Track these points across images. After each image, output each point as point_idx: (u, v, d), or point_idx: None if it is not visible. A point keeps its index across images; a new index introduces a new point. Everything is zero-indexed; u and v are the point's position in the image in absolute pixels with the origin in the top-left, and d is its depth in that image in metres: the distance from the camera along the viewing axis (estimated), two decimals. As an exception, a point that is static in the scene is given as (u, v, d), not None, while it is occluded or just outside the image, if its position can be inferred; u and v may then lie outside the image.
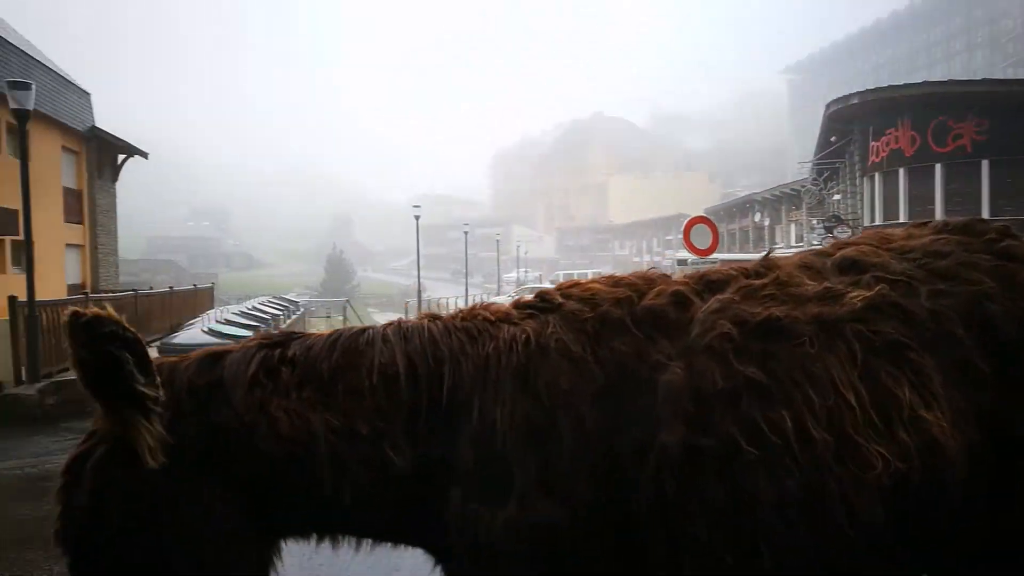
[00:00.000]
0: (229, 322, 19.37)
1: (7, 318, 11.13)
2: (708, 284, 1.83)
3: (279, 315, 25.46)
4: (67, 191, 20.89)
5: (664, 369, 1.64)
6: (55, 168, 19.73)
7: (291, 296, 40.03)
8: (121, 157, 24.24)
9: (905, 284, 1.78)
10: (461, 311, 1.90)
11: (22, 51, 17.98)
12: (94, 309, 1.49)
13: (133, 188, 25.73)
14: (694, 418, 1.58)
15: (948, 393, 1.66)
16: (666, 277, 1.91)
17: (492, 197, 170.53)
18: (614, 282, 1.87)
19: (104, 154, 23.35)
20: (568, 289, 1.88)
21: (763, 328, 1.67)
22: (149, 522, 1.54)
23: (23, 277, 11.91)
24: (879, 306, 1.72)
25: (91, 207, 22.46)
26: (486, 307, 1.90)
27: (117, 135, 23.07)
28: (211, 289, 27.55)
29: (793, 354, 1.64)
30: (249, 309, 24.16)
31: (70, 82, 21.21)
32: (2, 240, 17.48)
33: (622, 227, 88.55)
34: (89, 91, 22.57)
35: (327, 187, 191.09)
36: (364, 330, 1.83)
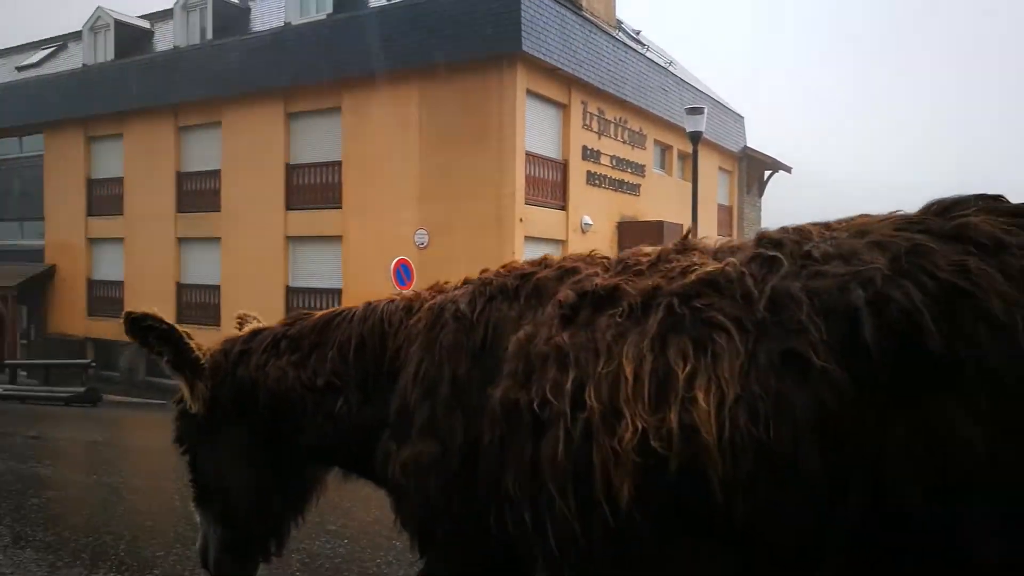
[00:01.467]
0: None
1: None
2: (621, 261, 1.79)
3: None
4: (720, 207, 23.28)
5: (520, 331, 1.74)
6: (712, 186, 22.15)
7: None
8: (767, 173, 25.85)
9: (778, 262, 1.46)
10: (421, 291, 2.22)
11: (692, 86, 20.79)
12: (141, 309, 2.21)
13: (774, 202, 26.87)
14: (518, 376, 1.64)
15: (757, 384, 1.35)
16: (605, 259, 1.87)
17: None
18: (549, 261, 1.96)
19: (752, 171, 25.28)
20: (512, 264, 2.05)
21: (594, 297, 1.66)
22: (204, 437, 2.30)
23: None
24: (716, 282, 1.51)
25: (739, 221, 24.58)
26: (437, 285, 2.20)
27: (764, 152, 24.71)
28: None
29: (607, 323, 1.58)
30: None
31: (728, 108, 23.57)
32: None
33: None
34: (743, 115, 24.68)
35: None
36: (344, 312, 2.26)
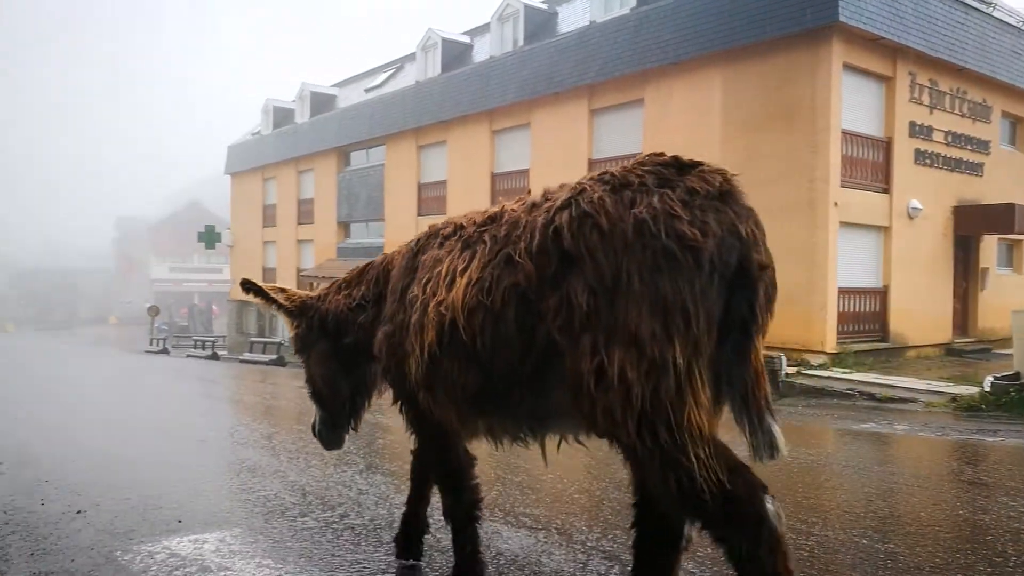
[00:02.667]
0: None
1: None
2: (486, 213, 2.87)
3: None
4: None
5: (426, 255, 2.99)
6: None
7: None
8: None
9: (535, 203, 2.56)
10: None
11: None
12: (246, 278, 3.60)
13: None
14: (417, 279, 2.92)
15: (487, 272, 2.51)
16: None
17: None
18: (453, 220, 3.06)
19: None
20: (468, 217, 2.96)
21: (436, 235, 3.01)
22: (306, 349, 3.58)
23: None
24: (495, 217, 2.72)
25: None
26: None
27: None
28: None
29: (449, 246, 2.82)
30: None
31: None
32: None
33: None
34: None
35: None
36: (375, 259, 3.55)
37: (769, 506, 2.06)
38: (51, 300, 72.85)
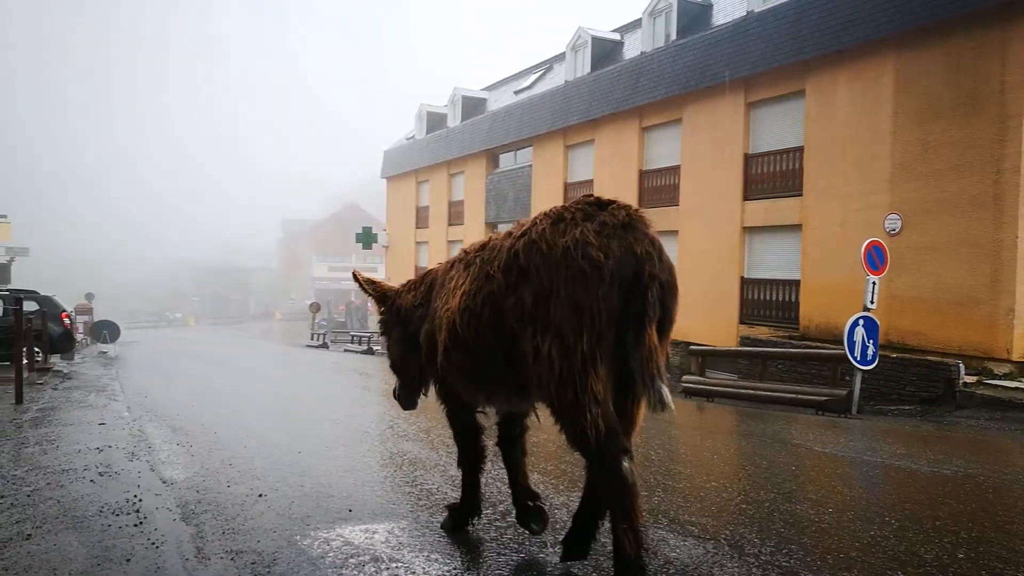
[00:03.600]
0: None
1: None
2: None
3: None
4: None
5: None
6: None
7: None
8: None
9: (509, 233, 3.41)
10: None
11: None
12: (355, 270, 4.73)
13: None
14: (433, 296, 3.95)
15: (474, 285, 3.43)
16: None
17: None
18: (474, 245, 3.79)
19: None
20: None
21: (455, 261, 3.79)
22: (387, 331, 4.33)
23: None
24: (485, 244, 3.61)
25: None
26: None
27: None
28: None
29: (453, 271, 3.74)
30: None
31: None
32: None
33: None
34: None
35: None
36: (434, 268, 4.18)
37: (624, 464, 2.96)
38: (226, 297, 79.39)
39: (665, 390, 2.87)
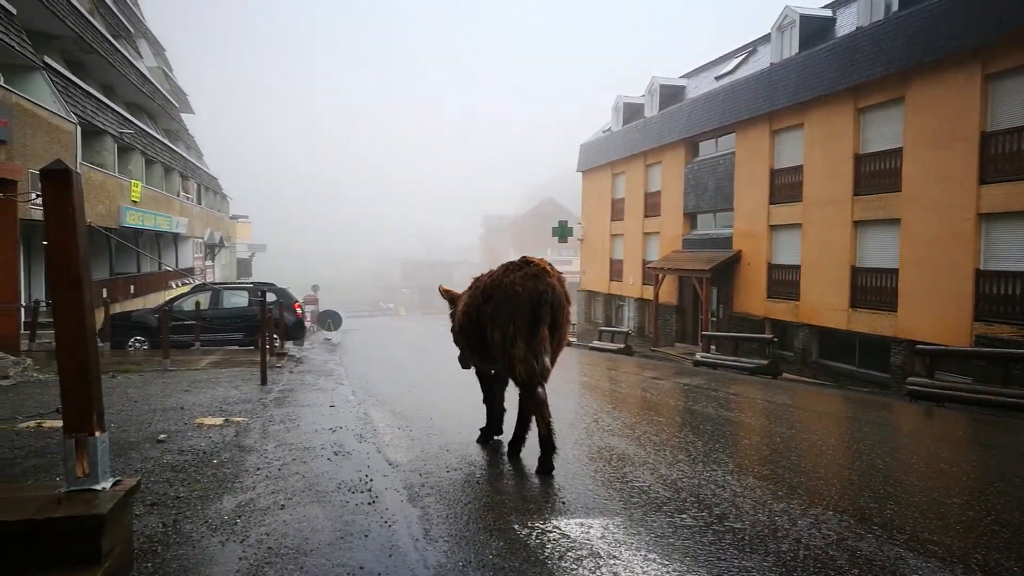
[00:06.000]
0: None
1: None
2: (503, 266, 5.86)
3: None
4: None
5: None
6: None
7: None
8: None
9: (499, 270, 5.77)
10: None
11: None
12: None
13: None
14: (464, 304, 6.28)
15: (476, 299, 5.83)
16: (549, 265, 5.54)
17: None
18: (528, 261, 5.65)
19: None
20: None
21: (469, 287, 6.26)
22: (455, 321, 6.61)
23: None
24: (479, 278, 6.11)
25: None
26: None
27: None
28: None
29: (473, 289, 6.04)
30: None
31: None
32: None
33: None
34: None
35: None
36: (483, 274, 6.17)
37: (540, 390, 5.28)
38: (432, 288, 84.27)
39: (546, 359, 5.32)
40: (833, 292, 20.06)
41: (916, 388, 12.08)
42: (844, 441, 7.40)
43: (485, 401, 6.54)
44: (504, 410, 6.50)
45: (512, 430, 6.00)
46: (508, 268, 5.55)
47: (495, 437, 6.51)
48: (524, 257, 5.65)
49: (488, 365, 6.17)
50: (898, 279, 17.78)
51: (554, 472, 5.35)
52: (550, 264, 5.52)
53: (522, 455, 5.86)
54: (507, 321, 5.28)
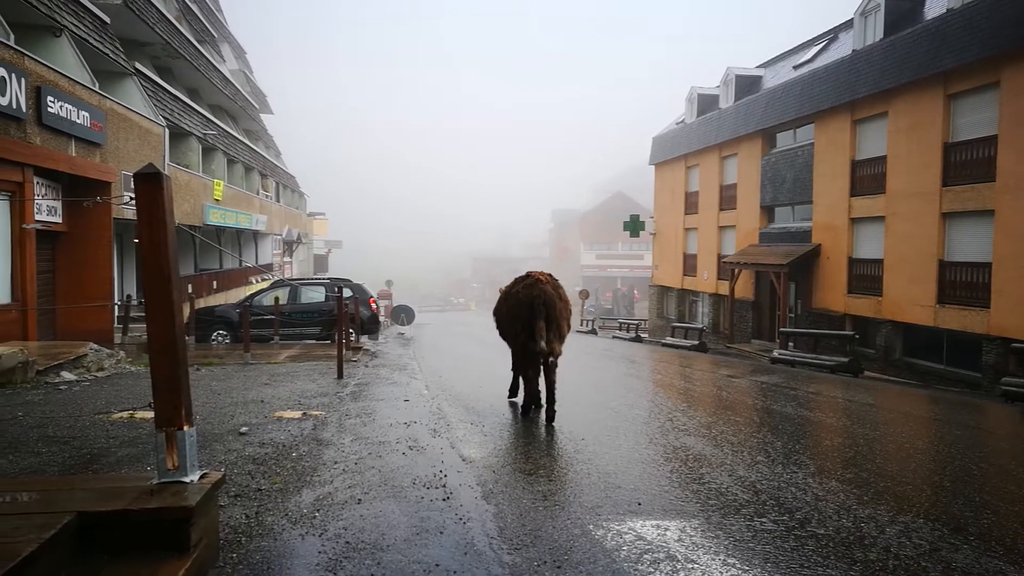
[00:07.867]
0: None
1: None
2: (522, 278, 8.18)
3: None
4: None
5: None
6: None
7: None
8: None
9: (518, 281, 8.13)
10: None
11: None
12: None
13: None
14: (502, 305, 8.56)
15: (501, 303, 8.57)
16: (547, 276, 7.86)
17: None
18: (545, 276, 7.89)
19: None
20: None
21: (507, 291, 8.37)
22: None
23: None
24: (507, 289, 8.26)
25: None
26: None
27: None
28: None
29: (505, 296, 8.31)
30: None
31: None
32: None
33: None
34: None
35: None
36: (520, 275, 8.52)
37: (550, 360, 7.68)
38: (502, 284, 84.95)
39: (542, 343, 7.21)
40: (918, 287, 19.21)
41: (1011, 388, 11.47)
42: (933, 444, 7.08)
43: (520, 372, 8.62)
44: (538, 391, 8.00)
45: (544, 397, 7.94)
46: (517, 281, 8.04)
47: (533, 407, 8.04)
48: (528, 272, 7.97)
49: (512, 345, 8.33)
50: (991, 273, 16.89)
51: (629, 473, 5.28)
52: (548, 275, 7.85)
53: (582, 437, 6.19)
54: (515, 317, 7.71)
